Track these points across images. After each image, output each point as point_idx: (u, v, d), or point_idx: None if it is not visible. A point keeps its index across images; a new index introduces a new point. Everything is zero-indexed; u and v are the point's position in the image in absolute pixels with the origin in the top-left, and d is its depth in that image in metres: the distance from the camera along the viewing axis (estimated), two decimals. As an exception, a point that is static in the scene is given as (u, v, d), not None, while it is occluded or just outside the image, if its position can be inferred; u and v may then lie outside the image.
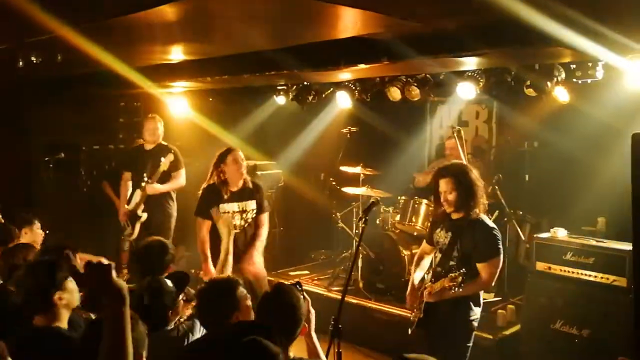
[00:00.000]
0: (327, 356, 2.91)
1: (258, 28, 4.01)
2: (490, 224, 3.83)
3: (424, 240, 4.24)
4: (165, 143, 6.29)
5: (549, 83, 5.28)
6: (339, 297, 3.13)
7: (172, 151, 6.06)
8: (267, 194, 7.57)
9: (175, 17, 3.58)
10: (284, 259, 7.38)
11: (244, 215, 5.03)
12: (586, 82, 5.02)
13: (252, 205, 5.05)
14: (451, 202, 3.77)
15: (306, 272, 7.08)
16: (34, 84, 6.77)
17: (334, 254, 7.33)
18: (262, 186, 5.24)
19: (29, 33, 4.04)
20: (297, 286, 2.83)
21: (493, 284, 3.83)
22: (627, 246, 4.66)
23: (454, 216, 3.83)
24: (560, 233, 5.01)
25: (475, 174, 3.82)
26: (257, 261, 5.04)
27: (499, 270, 3.75)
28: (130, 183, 6.12)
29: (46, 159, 6.99)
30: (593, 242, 4.80)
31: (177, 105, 8.39)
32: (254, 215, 5.07)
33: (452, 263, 3.79)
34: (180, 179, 6.08)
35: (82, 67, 5.73)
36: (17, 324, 2.77)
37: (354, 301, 5.79)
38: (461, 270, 3.57)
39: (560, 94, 5.34)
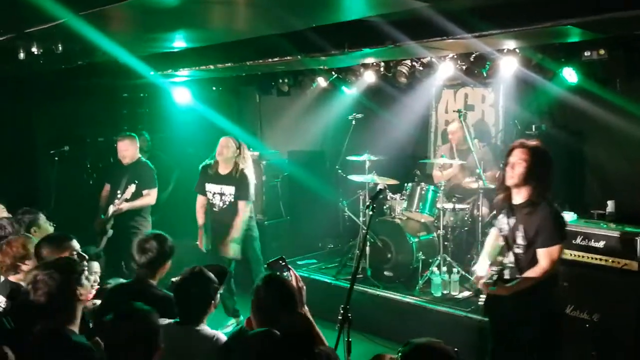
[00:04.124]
0: (336, 345, 2.87)
1: (261, 13, 3.95)
2: (555, 208, 3.57)
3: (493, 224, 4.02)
4: (145, 160, 6.06)
5: (557, 64, 5.22)
6: (347, 285, 3.08)
7: (141, 173, 5.84)
8: (273, 183, 7.57)
9: (176, 2, 3.52)
10: (291, 248, 7.34)
11: (223, 197, 5.54)
12: (594, 62, 4.94)
13: (230, 189, 5.52)
14: (517, 174, 3.53)
15: (314, 260, 7.05)
16: (36, 76, 6.73)
17: (341, 243, 7.30)
18: (246, 176, 5.53)
19: (28, 22, 3.99)
20: (281, 261, 2.81)
21: (552, 272, 3.50)
22: (638, 229, 4.61)
23: (516, 201, 3.62)
24: (570, 217, 4.94)
25: (551, 160, 3.59)
26: (229, 244, 5.47)
27: (560, 257, 3.51)
28: (107, 195, 5.99)
29: (51, 152, 6.94)
30: (603, 226, 4.75)
31: (181, 95, 8.36)
32: (232, 199, 5.51)
33: (518, 251, 3.59)
34: (149, 198, 5.83)
35: (84, 58, 5.68)
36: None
37: (363, 289, 5.76)
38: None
39: (569, 75, 5.26)
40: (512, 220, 3.62)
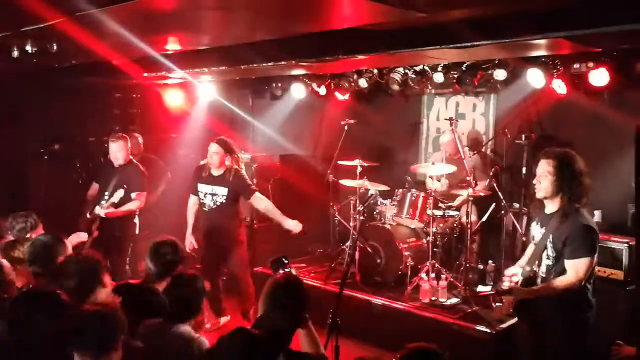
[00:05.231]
0: (325, 350, 2.89)
1: (257, 19, 3.97)
2: (587, 220, 3.45)
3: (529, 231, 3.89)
4: (137, 162, 6.01)
5: (546, 75, 5.29)
6: (337, 290, 3.11)
7: (132, 176, 5.78)
8: (264, 186, 7.56)
9: (171, 6, 3.54)
10: (281, 252, 7.28)
11: (214, 198, 5.56)
12: (584, 74, 5.03)
13: (222, 191, 5.52)
14: (544, 188, 3.47)
15: (303, 265, 7.05)
16: (29, 75, 6.70)
17: (331, 247, 7.31)
18: (241, 177, 5.53)
19: (24, 22, 3.98)
20: (284, 259, 2.82)
21: (581, 284, 3.40)
22: (624, 239, 4.67)
23: (549, 210, 3.54)
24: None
25: (582, 165, 3.46)
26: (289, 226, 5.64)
27: (587, 271, 3.38)
28: (95, 195, 5.94)
29: (41, 150, 6.89)
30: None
31: (174, 97, 8.35)
32: (224, 200, 5.52)
33: (548, 262, 3.52)
34: (138, 202, 5.77)
35: (78, 57, 5.67)
36: None
37: (352, 294, 5.77)
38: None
39: (558, 87, 5.34)
40: (544, 230, 3.55)
